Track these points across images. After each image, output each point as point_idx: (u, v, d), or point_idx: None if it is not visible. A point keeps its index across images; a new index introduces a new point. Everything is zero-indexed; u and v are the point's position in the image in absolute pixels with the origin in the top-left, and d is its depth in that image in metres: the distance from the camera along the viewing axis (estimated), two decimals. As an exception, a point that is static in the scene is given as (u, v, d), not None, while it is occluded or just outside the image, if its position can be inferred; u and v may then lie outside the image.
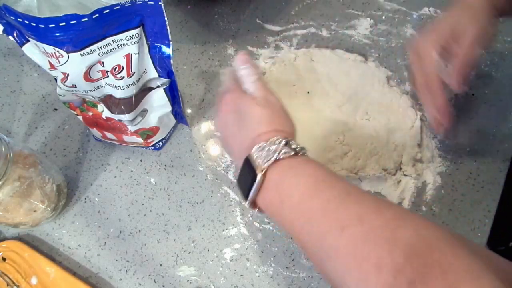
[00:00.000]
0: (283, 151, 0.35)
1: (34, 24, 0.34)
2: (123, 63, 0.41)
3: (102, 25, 0.37)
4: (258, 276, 0.48)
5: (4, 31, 0.39)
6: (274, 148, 0.35)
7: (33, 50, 0.40)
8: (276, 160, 0.34)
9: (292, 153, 0.35)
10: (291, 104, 0.55)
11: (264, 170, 0.34)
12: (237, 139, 0.40)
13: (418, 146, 0.52)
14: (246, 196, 0.36)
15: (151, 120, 0.49)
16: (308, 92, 0.56)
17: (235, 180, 0.52)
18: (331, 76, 0.57)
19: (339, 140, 0.52)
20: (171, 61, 0.44)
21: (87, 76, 0.40)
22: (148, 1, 0.37)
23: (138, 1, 0.36)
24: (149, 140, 0.52)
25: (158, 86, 0.46)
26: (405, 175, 0.51)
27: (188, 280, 0.48)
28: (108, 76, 0.42)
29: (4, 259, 0.48)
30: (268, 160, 0.34)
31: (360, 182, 0.50)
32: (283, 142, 0.35)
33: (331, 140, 0.52)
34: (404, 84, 0.57)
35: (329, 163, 0.51)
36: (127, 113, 0.46)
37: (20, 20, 0.34)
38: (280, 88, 0.57)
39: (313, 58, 0.59)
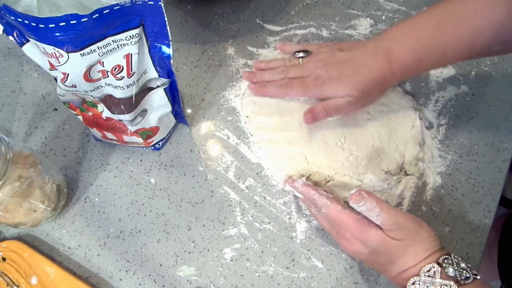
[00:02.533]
0: (445, 286, 0.36)
1: (34, 24, 0.34)
2: (123, 63, 0.41)
3: (102, 25, 0.37)
4: (258, 276, 0.48)
5: (4, 31, 0.39)
6: (431, 283, 0.36)
7: (33, 50, 0.40)
8: None
9: (452, 283, 0.36)
10: (290, 105, 0.55)
11: None
12: (384, 269, 0.41)
13: (420, 145, 0.52)
14: None
15: (151, 120, 0.49)
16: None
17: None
18: None
19: (340, 142, 0.52)
20: (171, 61, 0.44)
21: (87, 76, 0.40)
22: (148, 1, 0.37)
23: (138, 1, 0.36)
24: (149, 140, 0.52)
25: (158, 86, 0.46)
26: (408, 174, 0.51)
27: (188, 280, 0.48)
28: (108, 76, 0.42)
29: (4, 259, 0.48)
30: None
31: (362, 184, 0.50)
32: (438, 272, 0.36)
33: (331, 143, 0.52)
34: (404, 84, 0.57)
35: (330, 169, 0.51)
36: (127, 113, 0.46)
37: (20, 20, 0.34)
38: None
39: None
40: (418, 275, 0.37)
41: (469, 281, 0.36)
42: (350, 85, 0.46)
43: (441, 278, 0.36)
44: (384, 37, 0.46)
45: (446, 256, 0.38)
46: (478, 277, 0.37)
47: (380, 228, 0.40)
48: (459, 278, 0.37)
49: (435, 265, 0.37)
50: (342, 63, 0.48)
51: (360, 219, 0.41)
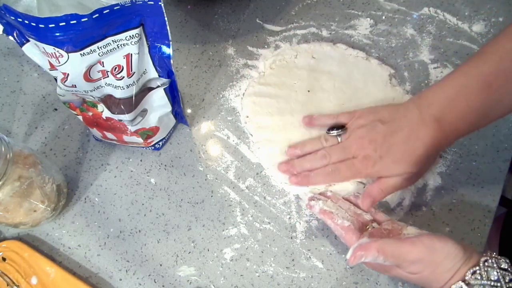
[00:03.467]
0: None
1: (34, 24, 0.34)
2: (123, 63, 0.41)
3: (102, 25, 0.36)
4: (258, 276, 0.48)
5: (4, 31, 0.39)
6: None
7: (33, 50, 0.40)
8: None
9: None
10: (291, 104, 0.55)
11: None
12: None
13: None
14: None
15: (151, 120, 0.49)
16: (308, 91, 0.56)
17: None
18: (333, 74, 0.57)
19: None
20: (171, 61, 0.44)
21: (87, 76, 0.40)
22: (148, 1, 0.37)
23: (138, 1, 0.36)
24: (149, 140, 0.52)
25: (158, 86, 0.46)
26: None
27: (188, 280, 0.48)
28: (108, 76, 0.42)
29: (4, 259, 0.48)
30: None
31: (363, 186, 0.50)
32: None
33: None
34: (404, 84, 0.57)
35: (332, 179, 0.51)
36: (127, 113, 0.46)
37: (20, 20, 0.34)
38: (280, 87, 0.57)
39: (314, 56, 0.59)
40: None
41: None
42: (405, 162, 0.43)
43: None
44: (430, 104, 0.43)
45: (475, 269, 0.36)
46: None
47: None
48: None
49: (462, 284, 0.35)
50: (388, 137, 0.44)
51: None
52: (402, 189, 0.48)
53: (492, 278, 0.35)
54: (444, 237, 0.38)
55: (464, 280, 0.35)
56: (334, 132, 0.49)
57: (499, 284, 0.34)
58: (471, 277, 0.35)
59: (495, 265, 0.35)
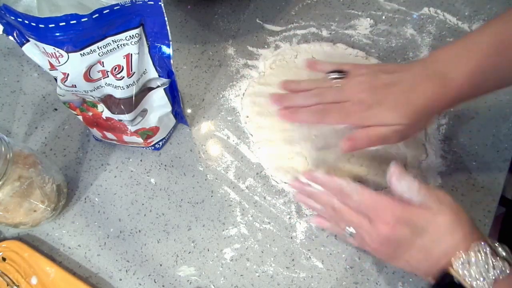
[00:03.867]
0: (499, 268, 0.33)
1: (34, 24, 0.34)
2: (123, 63, 0.41)
3: (102, 25, 0.37)
4: (258, 276, 0.48)
5: (4, 31, 0.39)
6: (485, 262, 0.33)
7: (33, 50, 0.40)
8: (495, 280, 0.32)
9: (508, 269, 0.33)
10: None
11: None
12: (420, 256, 0.37)
13: (423, 145, 0.52)
14: None
15: (151, 120, 0.49)
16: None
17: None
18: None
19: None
20: (171, 61, 0.44)
21: (87, 76, 0.40)
22: (148, 1, 0.37)
23: (138, 1, 0.36)
24: (149, 140, 0.52)
25: (158, 86, 0.46)
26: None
27: (188, 280, 0.48)
28: (108, 76, 0.42)
29: (4, 259, 0.48)
30: (484, 279, 0.32)
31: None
32: (489, 252, 0.33)
33: (332, 144, 0.52)
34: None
35: (331, 170, 0.50)
36: (127, 113, 0.46)
37: (20, 20, 0.34)
38: (280, 88, 0.56)
39: (314, 55, 0.59)
40: (466, 252, 0.34)
41: None
42: (400, 111, 0.40)
43: (493, 258, 0.33)
44: (437, 59, 0.41)
45: (495, 242, 0.35)
46: None
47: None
48: (511, 262, 0.34)
49: (486, 244, 0.34)
50: (389, 86, 0.42)
51: (399, 198, 0.38)
52: (388, 144, 0.45)
53: (490, 263, 0.34)
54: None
55: (485, 241, 0.35)
56: (334, 75, 0.46)
57: (492, 271, 0.34)
58: (491, 242, 0.35)
59: (499, 249, 0.35)
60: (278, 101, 0.47)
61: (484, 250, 0.33)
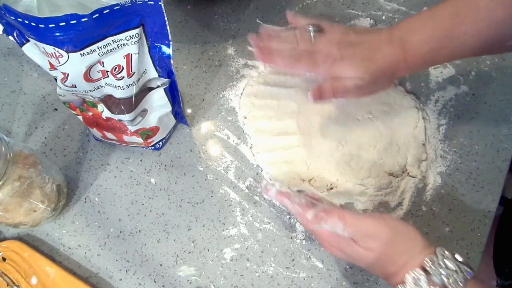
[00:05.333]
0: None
1: (34, 24, 0.34)
2: (123, 63, 0.41)
3: (102, 25, 0.37)
4: (258, 276, 0.48)
5: (4, 31, 0.39)
6: None
7: (33, 50, 0.40)
8: None
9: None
10: (290, 104, 0.55)
11: None
12: (379, 275, 0.40)
13: (423, 145, 0.52)
14: None
15: (151, 120, 0.49)
16: (308, 90, 0.56)
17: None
18: None
19: (341, 145, 0.52)
20: (171, 61, 0.44)
21: (87, 76, 0.40)
22: (148, 1, 0.37)
23: (138, 1, 0.36)
24: (149, 140, 0.52)
25: (158, 86, 0.46)
26: (411, 176, 0.51)
27: (188, 280, 0.48)
28: (108, 76, 0.42)
29: (4, 259, 0.48)
30: None
31: (365, 189, 0.50)
32: (423, 279, 0.34)
33: (332, 147, 0.52)
34: (404, 84, 0.57)
35: (331, 174, 0.50)
36: (127, 113, 0.46)
37: (20, 20, 0.34)
38: (280, 86, 0.57)
39: None
40: (404, 283, 0.35)
41: (461, 285, 0.34)
42: (362, 67, 0.44)
43: (428, 286, 0.34)
44: (401, 26, 0.45)
45: (431, 257, 0.36)
46: (469, 277, 0.34)
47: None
48: (448, 285, 0.34)
49: (420, 271, 0.35)
50: (356, 45, 0.46)
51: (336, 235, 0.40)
52: (349, 97, 0.48)
53: (450, 268, 0.35)
54: (405, 222, 0.39)
55: (422, 267, 0.35)
56: (311, 29, 0.49)
57: (455, 275, 0.34)
58: (429, 265, 0.35)
59: (450, 257, 0.36)
60: (254, 42, 0.50)
61: (417, 278, 0.35)
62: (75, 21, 0.34)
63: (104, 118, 0.48)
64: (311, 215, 0.41)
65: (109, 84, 0.42)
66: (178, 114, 0.54)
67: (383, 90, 0.49)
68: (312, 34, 0.49)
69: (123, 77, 0.42)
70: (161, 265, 0.49)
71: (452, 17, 0.42)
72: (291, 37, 0.50)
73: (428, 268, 0.35)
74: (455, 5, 0.42)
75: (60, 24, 0.34)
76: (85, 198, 0.53)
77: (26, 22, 0.34)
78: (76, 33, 0.36)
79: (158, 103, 0.48)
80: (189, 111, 0.58)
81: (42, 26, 0.34)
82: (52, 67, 0.40)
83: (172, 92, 0.49)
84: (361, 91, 0.46)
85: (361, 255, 0.38)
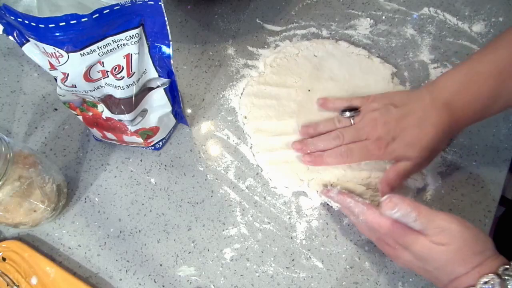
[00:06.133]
0: None
1: (34, 24, 0.34)
2: (123, 63, 0.41)
3: (102, 25, 0.36)
4: (258, 276, 0.48)
5: (4, 31, 0.39)
6: None
7: (33, 50, 0.40)
8: None
9: None
10: (291, 104, 0.55)
11: None
12: (432, 277, 0.38)
13: None
14: None
15: (151, 120, 0.49)
16: (309, 90, 0.56)
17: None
18: (334, 72, 0.57)
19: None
20: (171, 61, 0.44)
21: (87, 76, 0.40)
22: (148, 1, 0.37)
23: (138, 1, 0.36)
24: (149, 140, 0.52)
25: (158, 86, 0.46)
26: (410, 178, 0.51)
27: (188, 280, 0.48)
28: (108, 76, 0.42)
29: (4, 259, 0.48)
30: None
31: (366, 189, 0.50)
32: (497, 284, 0.33)
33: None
34: (404, 84, 0.57)
35: (331, 174, 0.50)
36: (127, 113, 0.46)
37: (20, 20, 0.34)
38: (280, 86, 0.57)
39: (316, 54, 0.58)
40: (474, 285, 0.34)
41: None
42: (417, 145, 0.44)
43: None
44: (442, 89, 0.44)
45: (507, 267, 0.34)
46: None
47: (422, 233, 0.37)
48: None
49: (495, 277, 0.33)
50: (401, 120, 0.45)
51: (400, 223, 0.38)
52: (415, 173, 0.49)
53: None
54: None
55: (496, 273, 0.33)
56: (348, 114, 0.49)
57: None
58: (506, 272, 0.33)
59: None
60: (301, 149, 0.51)
61: (492, 283, 0.33)
62: (75, 21, 0.34)
63: (104, 118, 0.48)
64: (386, 199, 0.38)
65: (109, 84, 0.42)
66: (178, 114, 0.54)
67: (441, 152, 0.50)
68: (351, 119, 0.49)
69: (123, 77, 0.42)
70: (161, 265, 0.49)
71: (497, 77, 0.41)
72: (332, 126, 0.50)
73: (503, 275, 0.33)
74: (496, 61, 0.41)
75: (60, 24, 0.34)
76: (85, 198, 0.53)
77: (26, 22, 0.34)
78: (76, 33, 0.36)
79: (158, 103, 0.48)
80: (189, 111, 0.58)
81: (42, 26, 0.34)
82: (52, 67, 0.40)
83: (172, 92, 0.49)
84: (421, 167, 0.48)
85: (430, 250, 0.36)
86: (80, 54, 0.38)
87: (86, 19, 0.35)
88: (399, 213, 0.37)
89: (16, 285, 0.47)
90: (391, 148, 0.45)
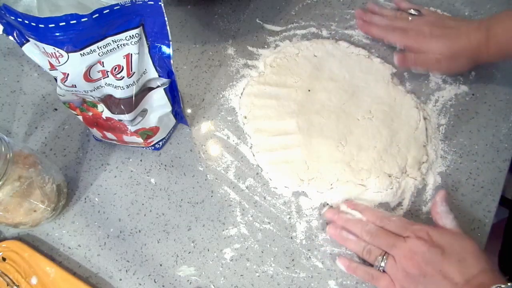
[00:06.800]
0: None
1: (34, 24, 0.34)
2: (123, 63, 0.41)
3: (102, 25, 0.37)
4: (258, 276, 0.48)
5: (4, 31, 0.39)
6: None
7: (33, 50, 0.40)
8: None
9: None
10: (290, 104, 0.55)
11: None
12: (448, 276, 0.40)
13: (424, 147, 0.52)
14: None
15: (151, 120, 0.49)
16: (309, 90, 0.56)
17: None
18: (334, 72, 0.57)
19: (341, 145, 0.52)
20: (171, 61, 0.44)
21: (87, 76, 0.40)
22: (148, 1, 0.37)
23: (138, 1, 0.36)
24: (149, 140, 0.52)
25: (158, 86, 0.46)
26: (410, 177, 0.51)
27: (188, 280, 0.48)
28: (108, 76, 0.42)
29: (4, 259, 0.48)
30: None
31: (366, 189, 0.50)
32: None
33: (331, 147, 0.52)
34: (404, 83, 0.57)
35: (331, 174, 0.50)
36: (127, 113, 0.46)
37: (20, 20, 0.34)
38: (280, 86, 0.57)
39: (316, 54, 0.58)
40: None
41: None
42: (444, 44, 0.51)
43: None
44: (492, 18, 0.50)
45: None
46: None
47: None
48: None
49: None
50: (447, 28, 0.53)
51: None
52: (428, 70, 0.56)
53: None
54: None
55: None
56: (412, 11, 0.58)
57: None
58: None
59: None
60: (360, 15, 0.61)
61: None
62: (75, 21, 0.34)
63: (104, 118, 0.48)
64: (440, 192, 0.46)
65: (109, 84, 0.42)
66: (178, 114, 0.54)
67: (460, 71, 0.55)
68: (410, 16, 0.57)
69: (123, 77, 0.42)
70: (161, 265, 0.49)
71: None
72: (392, 15, 0.59)
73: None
74: None
75: (60, 24, 0.34)
76: (85, 198, 0.53)
77: (26, 22, 0.34)
78: (76, 33, 0.36)
79: (158, 103, 0.48)
80: (189, 111, 0.58)
81: (42, 26, 0.34)
82: (52, 67, 0.40)
83: (172, 92, 0.49)
84: (439, 66, 0.53)
85: (459, 240, 0.42)
86: (80, 54, 0.38)
87: (86, 19, 0.35)
88: (446, 208, 0.45)
89: (16, 285, 0.47)
90: (425, 41, 0.53)
